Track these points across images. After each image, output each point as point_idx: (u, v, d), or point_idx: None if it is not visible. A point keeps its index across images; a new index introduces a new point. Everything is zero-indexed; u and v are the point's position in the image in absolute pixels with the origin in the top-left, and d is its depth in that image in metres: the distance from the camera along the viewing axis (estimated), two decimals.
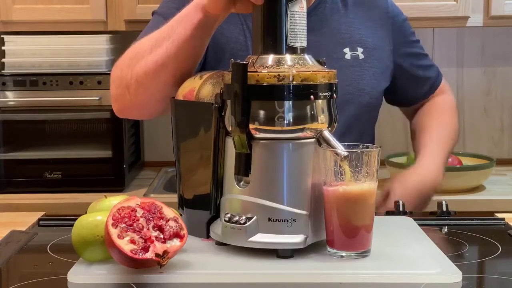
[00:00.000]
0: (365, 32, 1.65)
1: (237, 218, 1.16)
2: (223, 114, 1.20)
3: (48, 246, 1.27)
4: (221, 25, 1.57)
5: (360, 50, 1.64)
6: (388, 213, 1.47)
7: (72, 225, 1.15)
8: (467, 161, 2.52)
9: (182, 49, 1.31)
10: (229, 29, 1.59)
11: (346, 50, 1.62)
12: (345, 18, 1.65)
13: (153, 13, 1.60)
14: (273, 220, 1.14)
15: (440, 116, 1.79)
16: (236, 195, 1.18)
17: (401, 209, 1.47)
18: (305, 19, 1.19)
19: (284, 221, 1.14)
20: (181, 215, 1.26)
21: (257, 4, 1.17)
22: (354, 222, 1.13)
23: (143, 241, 1.07)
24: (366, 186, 1.13)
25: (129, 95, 1.40)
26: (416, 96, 1.83)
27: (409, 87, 1.79)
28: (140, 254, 1.06)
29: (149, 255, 1.06)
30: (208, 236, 1.24)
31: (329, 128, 1.17)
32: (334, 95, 1.18)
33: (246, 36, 1.58)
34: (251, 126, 1.15)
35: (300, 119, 1.14)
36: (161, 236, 1.08)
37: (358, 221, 1.13)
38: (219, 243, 1.20)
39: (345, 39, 1.63)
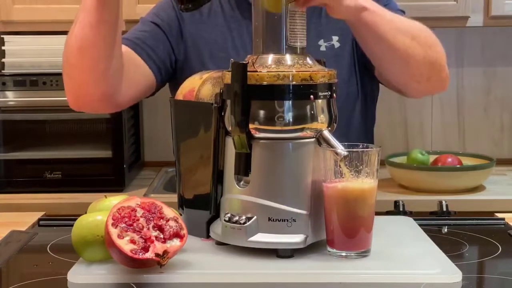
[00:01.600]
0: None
1: (237, 218, 1.16)
2: (223, 114, 1.20)
3: (48, 246, 1.27)
4: (198, 27, 1.59)
5: (335, 38, 1.61)
6: (388, 213, 1.47)
7: (72, 225, 1.15)
8: (467, 161, 2.52)
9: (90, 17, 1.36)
10: (207, 31, 1.61)
11: (321, 42, 1.60)
12: (319, 9, 1.63)
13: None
14: (273, 220, 1.14)
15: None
16: (236, 195, 1.18)
17: (401, 209, 1.47)
18: (305, 19, 1.20)
19: (284, 221, 1.14)
20: (181, 215, 1.26)
21: (258, 3, 1.17)
22: (353, 221, 1.13)
23: (143, 241, 1.07)
24: (366, 184, 1.13)
25: (71, 74, 1.45)
26: None
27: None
28: (140, 254, 1.06)
29: (149, 255, 1.06)
30: (208, 236, 1.24)
31: (329, 128, 1.17)
32: (334, 95, 1.18)
33: (225, 38, 1.59)
34: (251, 126, 1.15)
35: (300, 119, 1.14)
36: (161, 236, 1.08)
37: (358, 220, 1.13)
38: (219, 243, 1.20)
39: (320, 31, 1.61)
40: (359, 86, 1.64)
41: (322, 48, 1.60)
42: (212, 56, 1.59)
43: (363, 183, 1.13)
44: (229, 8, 1.62)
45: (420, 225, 1.35)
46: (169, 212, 1.12)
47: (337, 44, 1.61)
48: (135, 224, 1.08)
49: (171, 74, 1.62)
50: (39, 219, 1.45)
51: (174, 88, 1.50)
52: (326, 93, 1.16)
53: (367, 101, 1.67)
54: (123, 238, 1.06)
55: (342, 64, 1.60)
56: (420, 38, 1.43)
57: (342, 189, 1.12)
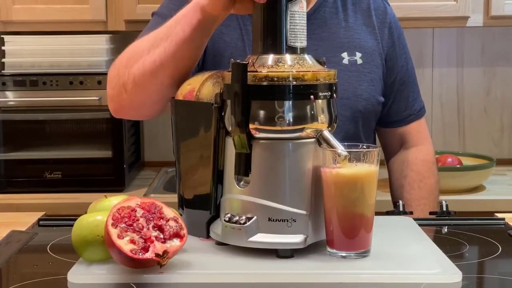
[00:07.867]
0: (364, 37, 1.64)
1: (237, 218, 1.16)
2: (223, 114, 1.20)
3: (48, 246, 1.27)
4: (221, 30, 1.56)
5: (358, 55, 1.62)
6: (388, 213, 1.47)
7: (72, 225, 1.15)
8: (467, 161, 2.52)
9: (180, 50, 1.30)
10: (228, 34, 1.58)
11: (344, 54, 1.61)
12: (344, 22, 1.63)
13: (152, 14, 1.60)
14: (273, 220, 1.14)
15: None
16: (236, 195, 1.18)
17: (401, 209, 1.47)
18: (305, 19, 1.19)
19: (284, 221, 1.14)
20: (181, 215, 1.26)
21: (258, 3, 1.17)
22: (353, 221, 1.13)
23: (143, 241, 1.07)
24: (366, 176, 1.12)
25: (126, 95, 1.39)
26: (398, 113, 1.74)
27: (393, 100, 1.72)
28: (140, 254, 1.06)
29: (149, 255, 1.06)
30: (208, 236, 1.24)
31: (329, 128, 1.17)
32: (334, 95, 1.18)
33: (244, 42, 1.57)
34: (251, 126, 1.15)
35: (300, 119, 1.14)
36: (161, 236, 1.08)
37: (358, 220, 1.13)
38: (219, 243, 1.20)
39: (343, 44, 1.61)
40: (373, 106, 1.65)
41: (345, 61, 1.60)
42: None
43: (362, 167, 1.12)
44: None
45: (420, 225, 1.35)
46: (169, 212, 1.12)
47: (359, 61, 1.61)
48: (135, 224, 1.08)
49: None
50: (39, 219, 1.45)
51: None
52: (326, 93, 1.16)
53: (374, 117, 1.69)
54: (123, 238, 1.06)
55: (362, 80, 1.61)
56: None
57: (336, 173, 1.11)
